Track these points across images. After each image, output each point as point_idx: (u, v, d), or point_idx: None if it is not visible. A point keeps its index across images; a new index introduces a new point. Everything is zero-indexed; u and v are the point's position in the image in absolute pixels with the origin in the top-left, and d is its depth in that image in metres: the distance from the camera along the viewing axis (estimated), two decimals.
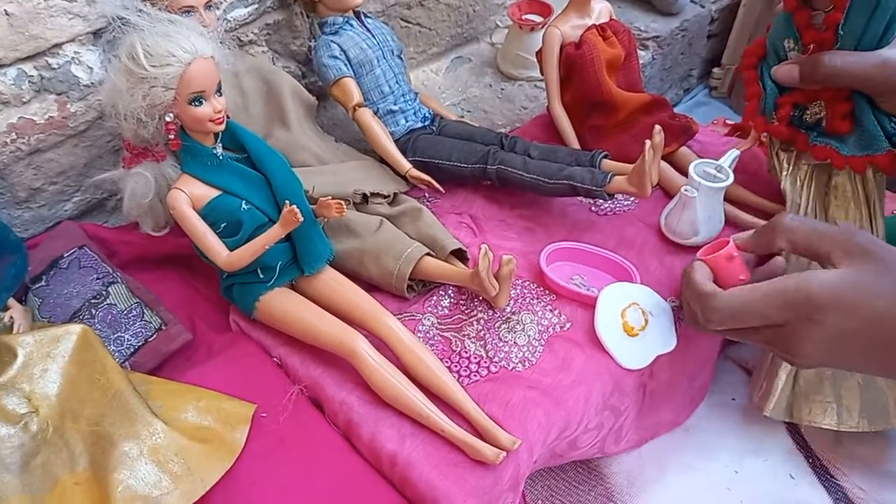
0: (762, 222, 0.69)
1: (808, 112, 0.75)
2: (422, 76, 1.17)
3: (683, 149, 0.92)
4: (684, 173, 0.89)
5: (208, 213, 0.67)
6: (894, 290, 0.56)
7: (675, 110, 1.45)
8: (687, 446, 0.87)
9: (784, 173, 0.80)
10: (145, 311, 0.74)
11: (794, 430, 0.90)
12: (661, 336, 0.73)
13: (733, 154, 0.83)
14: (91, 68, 0.78)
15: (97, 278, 0.75)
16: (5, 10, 0.68)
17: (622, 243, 0.84)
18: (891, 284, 0.56)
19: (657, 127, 0.77)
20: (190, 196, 0.67)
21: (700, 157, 0.95)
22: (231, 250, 0.68)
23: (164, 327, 0.74)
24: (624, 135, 0.91)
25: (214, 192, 0.67)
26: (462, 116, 1.09)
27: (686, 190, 0.80)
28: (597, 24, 0.91)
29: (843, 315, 0.56)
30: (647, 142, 0.75)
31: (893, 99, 0.69)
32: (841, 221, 0.76)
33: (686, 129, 0.91)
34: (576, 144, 0.92)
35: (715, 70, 1.48)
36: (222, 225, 0.68)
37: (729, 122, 1.27)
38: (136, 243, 0.80)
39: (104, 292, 0.74)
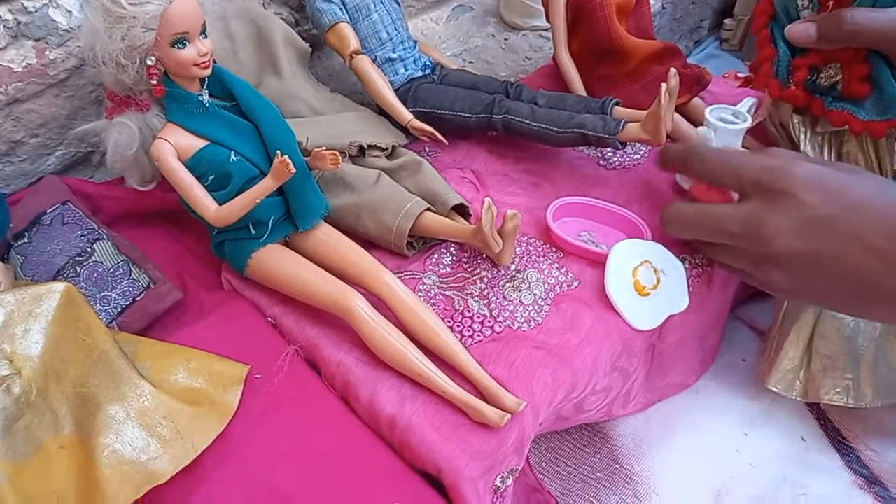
0: None
1: (823, 75, 0.70)
2: (421, 25, 1.12)
3: (696, 100, 0.88)
4: (697, 125, 0.85)
5: (195, 165, 0.64)
6: (874, 186, 0.55)
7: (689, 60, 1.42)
8: (696, 408, 0.85)
9: (801, 140, 0.75)
10: (133, 269, 0.71)
11: None
12: (673, 295, 0.70)
13: (750, 101, 0.78)
14: (70, 12, 0.73)
15: (82, 235, 0.71)
16: None
17: (632, 198, 0.80)
18: (870, 182, 0.56)
19: (672, 70, 0.73)
20: (175, 146, 0.63)
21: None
22: (220, 204, 0.64)
23: (152, 286, 0.70)
24: (634, 84, 0.87)
25: (201, 142, 0.64)
26: (464, 67, 1.05)
27: (702, 132, 0.75)
28: None
29: (821, 196, 0.54)
30: (663, 84, 0.71)
31: None
32: None
33: (699, 78, 0.87)
34: (584, 94, 0.87)
35: (727, 21, 1.42)
36: (210, 177, 0.64)
37: (741, 75, 1.23)
38: (122, 198, 0.76)
39: (89, 249, 0.71)
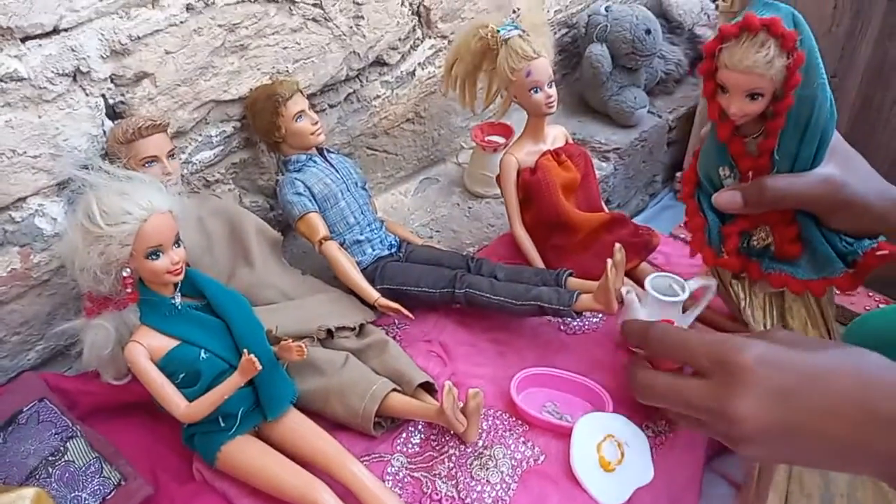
0: None
1: (755, 238, 0.74)
2: (391, 199, 1.19)
3: (645, 264, 0.93)
4: (641, 285, 0.89)
5: (166, 364, 0.66)
6: (826, 356, 0.56)
7: (643, 215, 1.50)
8: None
9: (743, 304, 0.78)
10: (104, 466, 0.71)
11: None
12: (639, 468, 0.71)
13: (701, 282, 0.79)
14: (55, 219, 0.79)
15: (55, 433, 0.73)
16: None
17: (594, 365, 0.83)
18: (821, 353, 0.56)
19: (617, 245, 0.79)
20: (148, 348, 0.66)
21: (662, 270, 0.96)
22: (191, 401, 0.66)
23: (123, 482, 0.71)
24: (586, 253, 0.92)
25: (173, 343, 0.67)
26: (430, 238, 1.11)
27: (627, 292, 0.77)
28: (551, 149, 0.94)
29: (773, 369, 0.55)
30: (609, 260, 0.76)
31: (841, 215, 0.69)
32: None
33: (646, 244, 0.93)
34: (540, 264, 0.93)
35: (678, 174, 1.52)
36: (181, 375, 0.67)
37: None
38: (97, 393, 0.78)
39: (62, 448, 0.72)
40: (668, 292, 0.76)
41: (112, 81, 0.78)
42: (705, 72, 0.68)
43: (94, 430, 0.75)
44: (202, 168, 0.91)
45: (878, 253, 0.69)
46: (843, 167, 0.69)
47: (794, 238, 0.72)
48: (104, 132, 0.79)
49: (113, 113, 0.80)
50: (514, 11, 0.94)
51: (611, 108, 1.36)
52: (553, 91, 0.89)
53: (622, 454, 0.71)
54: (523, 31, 0.89)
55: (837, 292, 0.75)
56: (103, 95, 0.78)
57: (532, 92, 0.89)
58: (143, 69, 0.80)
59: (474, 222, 1.15)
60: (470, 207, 1.18)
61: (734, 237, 0.74)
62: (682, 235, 1.15)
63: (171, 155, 0.80)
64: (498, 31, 0.90)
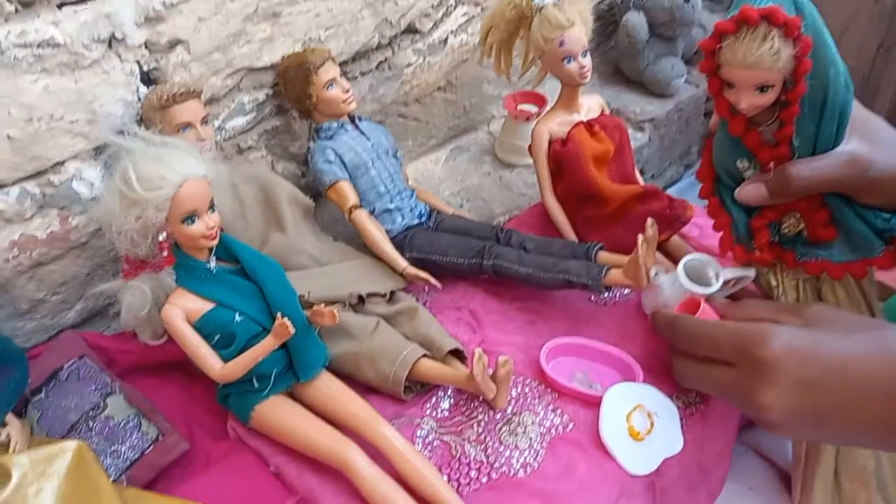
0: None
1: (786, 225, 0.70)
2: (421, 167, 1.19)
3: (677, 237, 0.92)
4: (674, 259, 0.88)
5: (202, 326, 0.68)
6: (853, 342, 0.55)
7: (678, 186, 1.48)
8: None
9: (777, 293, 0.75)
10: (142, 421, 0.74)
11: None
12: (667, 438, 0.71)
13: (744, 274, 0.76)
14: (92, 183, 0.80)
15: (96, 389, 0.75)
16: (7, 135, 0.71)
17: (624, 335, 0.83)
18: (849, 338, 0.56)
19: (649, 220, 0.78)
20: (184, 310, 0.67)
21: (697, 244, 0.95)
22: (226, 361, 0.68)
23: (161, 437, 0.73)
24: (617, 225, 0.91)
25: (209, 305, 0.68)
26: (461, 206, 1.11)
27: (655, 274, 0.76)
28: (584, 120, 0.92)
29: (796, 361, 0.55)
30: (640, 235, 0.75)
31: (874, 192, 0.65)
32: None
33: (678, 217, 0.91)
34: (572, 236, 0.92)
35: None
36: (216, 337, 0.68)
37: None
38: (134, 351, 0.80)
39: (102, 404, 0.74)
40: (701, 278, 0.74)
41: (146, 48, 0.79)
42: (707, 70, 0.64)
43: (133, 387, 0.77)
44: (235, 135, 0.92)
45: None
46: (867, 139, 0.65)
47: (827, 222, 0.68)
48: (139, 98, 0.80)
49: (147, 79, 0.81)
50: None
51: (647, 77, 1.34)
52: (587, 61, 0.88)
53: (652, 424, 0.71)
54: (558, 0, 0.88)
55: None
56: (138, 62, 0.79)
57: (565, 62, 0.87)
58: (176, 36, 0.80)
59: (505, 191, 1.14)
60: (501, 177, 1.17)
61: (764, 231, 0.71)
62: None
63: (204, 121, 0.80)
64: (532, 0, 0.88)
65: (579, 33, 0.87)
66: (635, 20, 1.30)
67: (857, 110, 0.65)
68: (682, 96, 1.36)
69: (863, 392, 0.53)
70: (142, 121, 0.80)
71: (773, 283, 0.75)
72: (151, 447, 0.73)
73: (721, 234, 0.75)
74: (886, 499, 0.73)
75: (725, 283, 0.74)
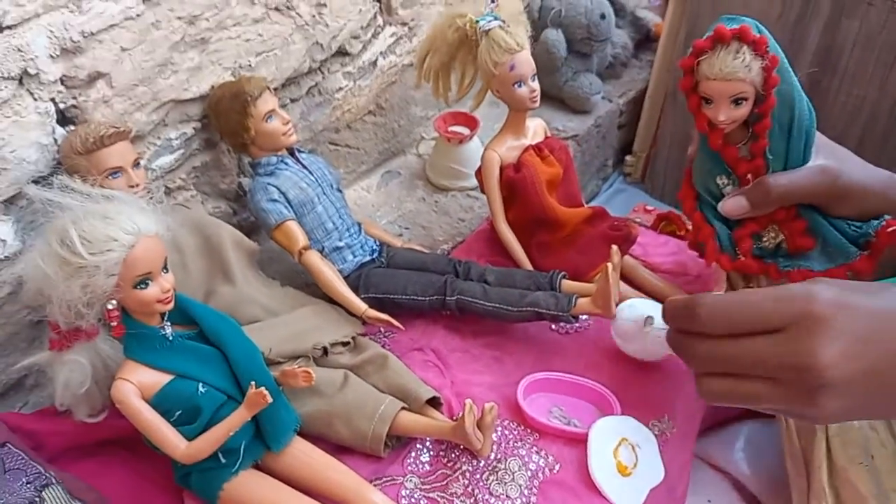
0: None
1: (766, 238, 0.75)
2: (353, 195, 1.14)
3: (628, 258, 0.93)
4: (628, 280, 0.90)
5: (160, 402, 0.60)
6: (889, 297, 0.52)
7: (597, 200, 1.51)
8: None
9: None
10: None
11: None
12: (651, 469, 0.71)
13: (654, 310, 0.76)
14: (4, 241, 0.70)
15: (27, 482, 0.65)
16: None
17: (590, 364, 0.82)
18: (883, 294, 0.53)
19: (614, 247, 0.78)
20: (138, 385, 0.60)
21: (644, 261, 0.96)
22: (190, 439, 0.61)
23: None
24: (570, 248, 0.91)
25: (166, 378, 0.61)
26: (401, 235, 1.07)
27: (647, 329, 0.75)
28: (533, 143, 0.91)
29: (849, 314, 0.51)
30: (608, 264, 0.75)
31: (843, 202, 0.71)
32: None
33: (627, 237, 0.92)
34: (527, 264, 0.90)
35: (627, 158, 1.54)
36: (177, 413, 0.61)
37: (649, 207, 1.31)
38: (68, 432, 0.70)
39: (37, 499, 0.64)
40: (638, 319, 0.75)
41: (63, 83, 0.70)
42: (686, 87, 0.70)
43: (71, 473, 0.67)
44: (162, 174, 0.84)
45: (889, 230, 0.71)
46: (833, 158, 0.72)
47: (804, 230, 0.73)
48: (55, 140, 0.70)
49: (64, 118, 0.72)
50: (492, 0, 0.90)
51: (566, 93, 1.35)
52: (536, 85, 0.87)
53: (636, 457, 0.71)
54: (503, 22, 0.86)
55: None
56: (53, 99, 0.69)
57: (515, 86, 0.86)
58: (97, 69, 0.71)
59: (443, 217, 1.11)
60: (437, 201, 1.14)
61: (746, 239, 0.75)
62: (640, 219, 1.17)
63: (136, 164, 0.72)
64: (477, 22, 0.86)
65: (528, 56, 0.86)
66: (554, 37, 1.31)
67: (822, 139, 0.71)
68: (601, 111, 1.38)
69: None
70: (61, 167, 0.70)
71: None
72: None
73: (706, 245, 0.77)
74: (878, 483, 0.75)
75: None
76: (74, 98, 0.71)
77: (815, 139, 0.70)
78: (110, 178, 0.69)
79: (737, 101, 0.68)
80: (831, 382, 0.51)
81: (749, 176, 0.73)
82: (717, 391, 0.55)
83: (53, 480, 0.65)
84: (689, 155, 0.78)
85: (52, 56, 0.67)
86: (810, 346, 0.51)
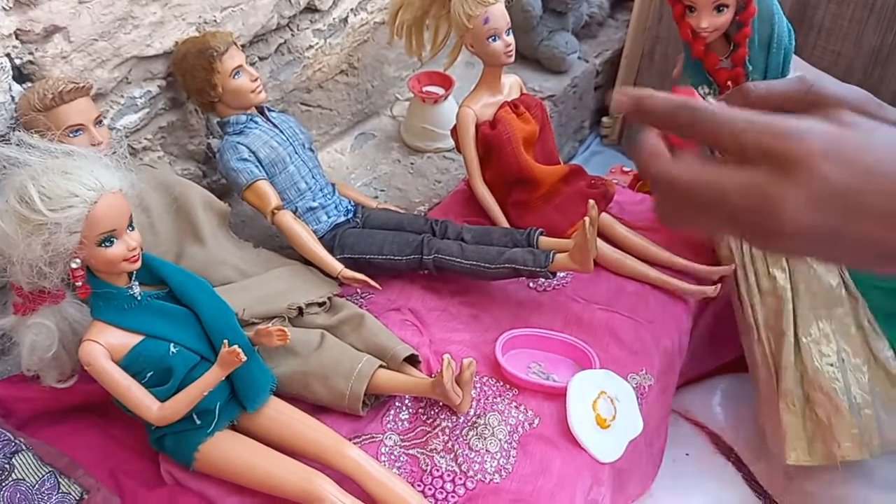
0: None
1: None
2: (328, 158, 1.12)
3: (605, 216, 0.92)
4: (605, 238, 0.89)
5: (131, 363, 0.59)
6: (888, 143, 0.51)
7: (574, 160, 1.50)
8: None
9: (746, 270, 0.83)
10: (61, 480, 0.63)
11: (749, 477, 0.92)
12: (629, 421, 0.71)
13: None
14: None
15: None
16: None
17: (569, 321, 0.82)
18: (884, 136, 0.51)
19: (591, 202, 0.77)
20: (107, 347, 0.58)
21: (621, 218, 0.96)
22: (162, 400, 0.59)
23: (85, 496, 0.63)
24: (547, 206, 0.90)
25: (136, 338, 0.59)
26: (377, 197, 1.05)
27: None
28: (509, 100, 0.90)
29: (836, 162, 0.46)
30: (586, 218, 0.74)
31: (820, 112, 0.74)
32: None
33: (605, 194, 0.91)
34: (504, 222, 0.90)
35: (604, 119, 1.53)
36: (148, 374, 0.59)
37: (626, 169, 1.30)
38: (35, 398, 0.68)
39: (7, 466, 0.63)
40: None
41: (18, 38, 0.67)
42: None
43: (41, 440, 0.66)
44: (127, 134, 0.81)
45: None
46: (811, 74, 0.73)
47: None
48: (13, 98, 0.68)
49: (21, 75, 0.69)
50: None
51: (542, 53, 1.33)
52: (511, 39, 0.85)
53: (615, 409, 0.71)
54: None
55: None
56: (8, 55, 0.66)
57: (490, 40, 0.84)
58: (53, 22, 0.68)
59: (419, 179, 1.10)
60: (412, 163, 1.13)
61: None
62: (617, 180, 1.16)
63: (98, 122, 0.69)
64: None
65: (502, 9, 0.84)
66: None
67: (802, 62, 0.76)
68: (577, 72, 1.37)
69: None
70: (19, 125, 0.67)
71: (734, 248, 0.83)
72: None
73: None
74: (850, 399, 0.77)
75: None
76: (31, 53, 0.68)
77: (793, 62, 0.75)
78: (71, 135, 0.67)
79: (719, 8, 0.73)
80: (787, 231, 0.49)
81: (729, 83, 0.77)
82: (675, 219, 0.54)
83: (24, 447, 0.64)
84: (674, 76, 0.82)
85: (4, 8, 0.64)
86: (776, 192, 0.47)
